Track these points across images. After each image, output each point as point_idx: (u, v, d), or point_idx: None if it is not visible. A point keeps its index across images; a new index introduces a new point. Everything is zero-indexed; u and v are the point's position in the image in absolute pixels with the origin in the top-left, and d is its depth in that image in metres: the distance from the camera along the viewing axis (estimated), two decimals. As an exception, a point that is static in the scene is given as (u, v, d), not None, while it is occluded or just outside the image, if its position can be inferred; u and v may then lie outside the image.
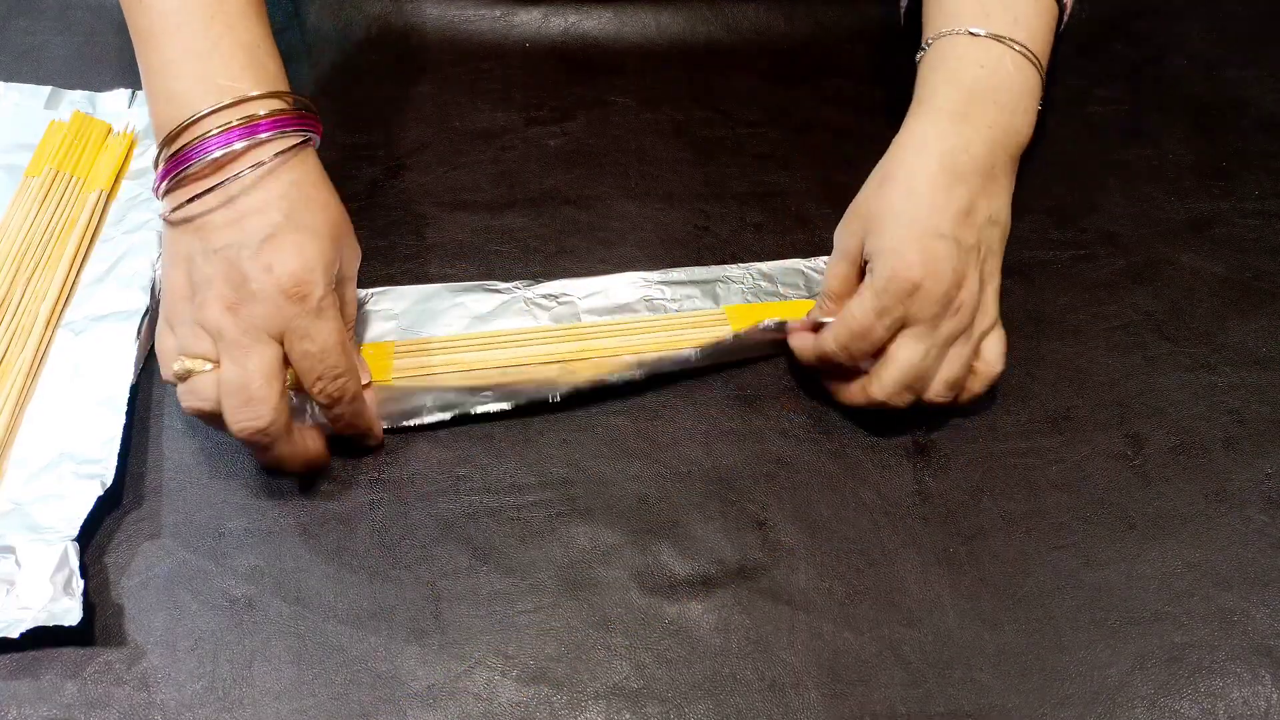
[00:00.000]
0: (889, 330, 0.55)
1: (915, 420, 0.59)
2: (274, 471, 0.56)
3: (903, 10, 0.66)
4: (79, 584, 0.51)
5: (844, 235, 0.59)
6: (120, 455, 0.56)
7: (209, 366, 0.52)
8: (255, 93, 0.53)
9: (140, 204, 0.66)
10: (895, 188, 0.57)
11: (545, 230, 0.66)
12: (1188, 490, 0.57)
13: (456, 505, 0.56)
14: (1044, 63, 0.60)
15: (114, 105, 0.71)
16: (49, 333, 0.60)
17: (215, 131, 0.52)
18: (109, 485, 0.54)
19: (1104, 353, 0.62)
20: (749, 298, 0.63)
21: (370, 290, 0.63)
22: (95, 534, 0.54)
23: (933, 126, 0.57)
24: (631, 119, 0.72)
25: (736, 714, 0.50)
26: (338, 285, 0.54)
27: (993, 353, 0.57)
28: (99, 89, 0.71)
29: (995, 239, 0.58)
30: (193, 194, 0.52)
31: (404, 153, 0.69)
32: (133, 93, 0.71)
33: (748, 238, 0.66)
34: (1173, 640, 0.52)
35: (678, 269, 0.64)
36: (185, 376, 0.52)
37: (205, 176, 0.53)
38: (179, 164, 0.53)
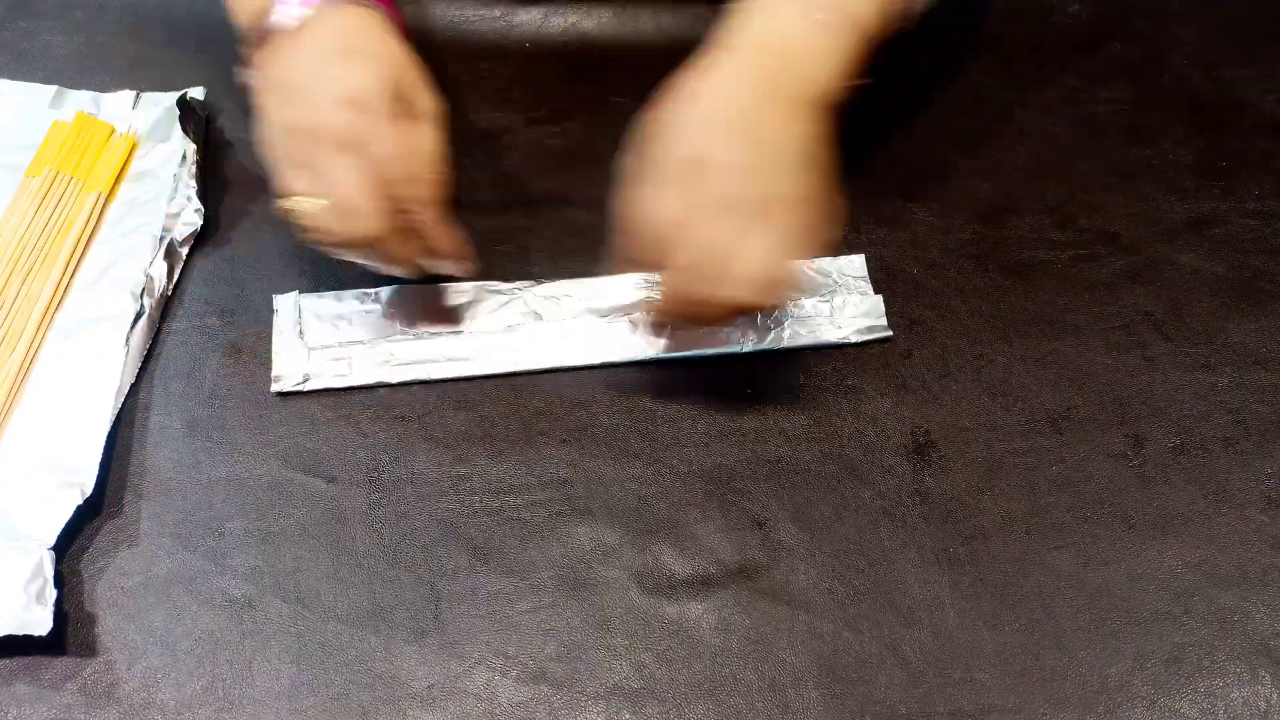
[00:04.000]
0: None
1: (915, 420, 0.59)
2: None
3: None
4: (52, 594, 0.51)
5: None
6: (102, 464, 0.56)
7: (307, 202, 0.53)
8: None
9: (139, 207, 0.65)
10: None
11: (546, 230, 0.66)
12: (1188, 490, 0.57)
13: (456, 505, 0.56)
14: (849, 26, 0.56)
15: (118, 106, 0.70)
16: (39, 335, 0.60)
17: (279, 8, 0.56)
18: (88, 495, 0.54)
19: (1104, 353, 0.62)
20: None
21: (371, 290, 0.63)
22: (75, 540, 0.54)
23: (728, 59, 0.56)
24: (631, 119, 0.72)
25: (736, 714, 0.50)
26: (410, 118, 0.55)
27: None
28: (101, 89, 0.71)
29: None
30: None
31: (404, 153, 0.69)
32: (137, 94, 0.71)
33: (748, 238, 0.66)
34: (1173, 640, 0.52)
35: (678, 269, 0.64)
36: (295, 213, 0.53)
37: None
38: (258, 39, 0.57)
